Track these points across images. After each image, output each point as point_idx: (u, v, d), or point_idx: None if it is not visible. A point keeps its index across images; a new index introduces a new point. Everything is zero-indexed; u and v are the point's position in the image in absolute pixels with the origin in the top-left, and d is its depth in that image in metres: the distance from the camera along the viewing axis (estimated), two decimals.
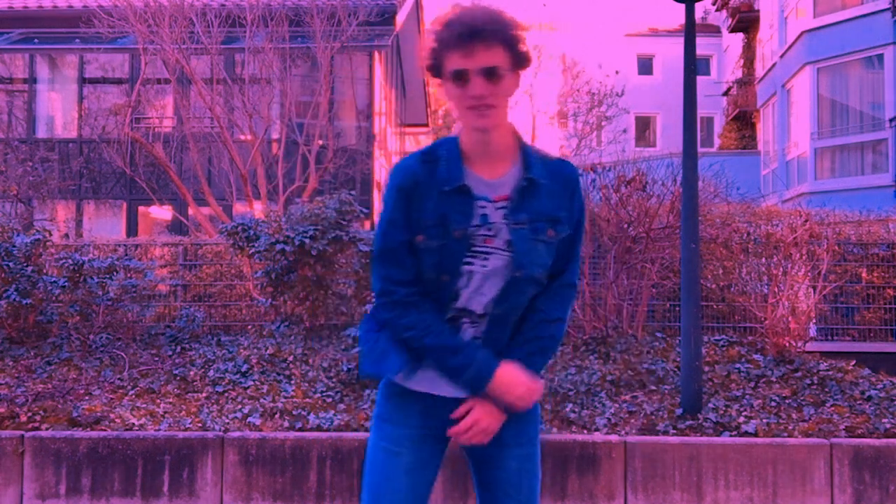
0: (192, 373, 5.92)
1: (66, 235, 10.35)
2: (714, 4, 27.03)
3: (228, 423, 5.04)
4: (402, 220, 2.10)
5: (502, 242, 2.09)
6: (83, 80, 15.78)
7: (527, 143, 2.16)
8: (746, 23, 24.14)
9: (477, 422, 2.09)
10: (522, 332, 2.16)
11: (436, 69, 2.08)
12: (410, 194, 2.09)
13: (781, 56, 19.59)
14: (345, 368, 5.78)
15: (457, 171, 2.08)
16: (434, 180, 2.08)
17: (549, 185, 2.12)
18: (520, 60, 2.06)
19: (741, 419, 5.06)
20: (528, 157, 2.13)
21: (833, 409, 5.29)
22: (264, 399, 5.41)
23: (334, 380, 5.74)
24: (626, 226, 6.79)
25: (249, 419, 5.08)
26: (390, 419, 2.18)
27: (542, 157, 2.16)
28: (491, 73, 2.00)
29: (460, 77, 2.01)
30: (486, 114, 2.03)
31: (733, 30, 25.23)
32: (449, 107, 2.19)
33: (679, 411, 5.14)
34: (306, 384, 5.68)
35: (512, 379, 2.07)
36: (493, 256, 2.09)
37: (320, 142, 12.71)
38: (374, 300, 2.21)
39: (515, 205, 2.09)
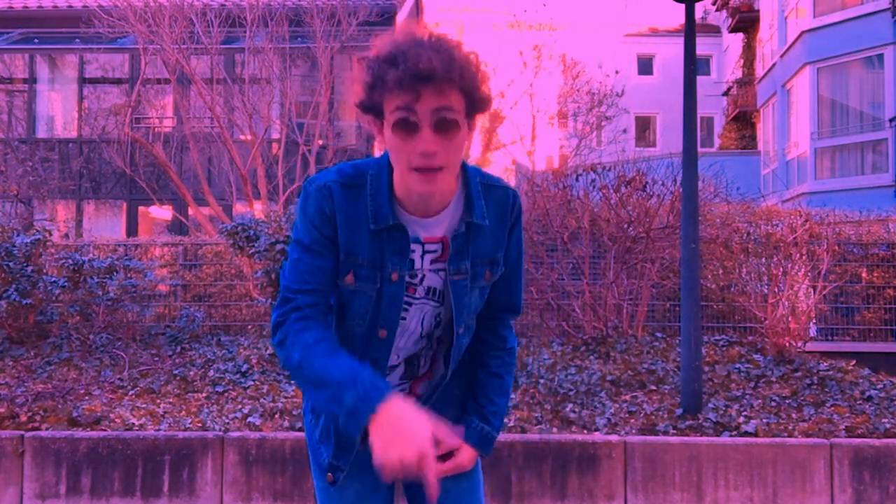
0: (192, 373, 5.92)
1: (66, 235, 10.35)
2: (714, 4, 27.01)
3: (228, 423, 5.04)
4: (323, 248, 1.76)
5: (423, 290, 1.81)
6: (83, 80, 15.78)
7: (470, 175, 1.81)
8: (746, 23, 24.13)
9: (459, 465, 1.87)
10: (489, 366, 1.95)
11: (370, 108, 1.66)
12: (331, 220, 1.74)
13: (781, 56, 19.58)
14: None
15: (385, 209, 1.73)
16: (358, 212, 1.74)
17: (490, 225, 1.80)
18: (478, 104, 1.66)
19: (741, 419, 5.06)
20: (471, 193, 1.79)
21: (833, 409, 5.29)
22: (264, 399, 5.40)
23: None
24: (626, 226, 6.79)
25: (249, 419, 5.08)
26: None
27: (486, 184, 1.82)
28: (443, 125, 1.60)
29: (404, 127, 1.61)
30: (433, 178, 1.64)
31: (733, 30, 25.21)
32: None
33: (679, 411, 5.13)
34: None
35: (397, 414, 1.58)
36: (413, 307, 1.82)
37: (320, 142, 12.70)
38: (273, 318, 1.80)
39: (456, 252, 1.78)
